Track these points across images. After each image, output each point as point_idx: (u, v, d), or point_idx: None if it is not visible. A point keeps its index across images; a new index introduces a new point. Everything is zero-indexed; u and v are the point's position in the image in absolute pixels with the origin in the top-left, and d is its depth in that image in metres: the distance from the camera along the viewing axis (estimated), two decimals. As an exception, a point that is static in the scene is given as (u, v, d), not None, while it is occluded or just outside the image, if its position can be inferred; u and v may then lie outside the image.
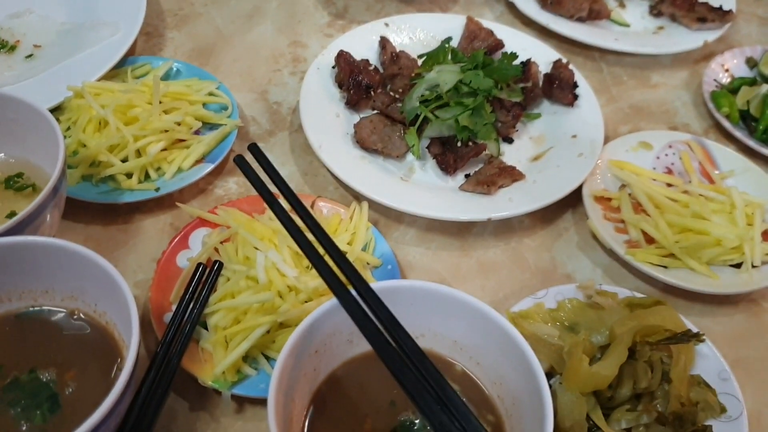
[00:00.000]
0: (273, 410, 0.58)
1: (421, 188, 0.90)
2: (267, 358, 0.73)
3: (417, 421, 0.65)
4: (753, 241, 0.86)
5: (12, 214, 0.78)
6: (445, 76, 0.94)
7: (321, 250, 0.68)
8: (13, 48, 1.02)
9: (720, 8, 1.15)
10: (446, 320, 0.68)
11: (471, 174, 0.92)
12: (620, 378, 0.71)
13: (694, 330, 0.77)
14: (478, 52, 0.98)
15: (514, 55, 0.98)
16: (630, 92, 1.10)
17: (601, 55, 1.14)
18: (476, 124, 0.92)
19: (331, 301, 0.64)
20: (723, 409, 0.73)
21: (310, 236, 0.68)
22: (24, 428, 0.60)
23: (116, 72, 0.98)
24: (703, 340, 0.76)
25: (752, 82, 1.08)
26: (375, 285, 0.66)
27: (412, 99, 0.94)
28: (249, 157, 0.72)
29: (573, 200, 0.91)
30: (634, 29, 1.17)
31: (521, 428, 0.64)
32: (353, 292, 0.65)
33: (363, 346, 0.66)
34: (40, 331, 0.68)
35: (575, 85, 1.00)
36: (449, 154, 0.92)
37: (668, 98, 1.09)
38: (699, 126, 1.06)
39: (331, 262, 0.67)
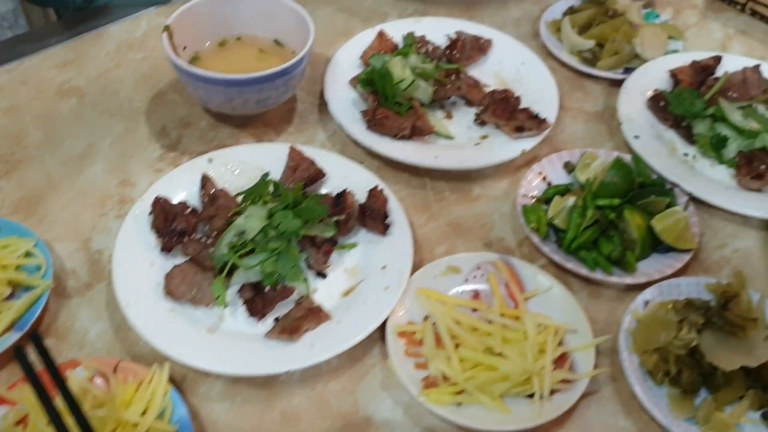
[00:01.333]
0: None
1: (228, 339, 0.93)
2: None
3: None
4: (543, 371, 0.91)
5: None
6: (252, 222, 0.98)
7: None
8: None
9: (537, 116, 1.20)
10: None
11: (280, 317, 0.96)
12: None
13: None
14: (290, 191, 1.02)
15: (319, 197, 1.02)
16: (450, 208, 1.14)
17: (427, 170, 1.18)
18: (283, 268, 0.96)
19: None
20: None
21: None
22: None
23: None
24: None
25: (565, 191, 1.13)
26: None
27: (222, 246, 0.98)
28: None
29: (382, 334, 0.95)
30: (459, 141, 1.22)
31: None
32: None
33: None
34: None
35: (386, 215, 1.04)
36: (258, 299, 0.96)
37: (487, 211, 1.14)
38: (514, 239, 1.11)
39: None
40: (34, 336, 0.79)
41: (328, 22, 1.45)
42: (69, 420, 0.73)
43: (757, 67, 1.34)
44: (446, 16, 1.47)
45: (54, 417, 0.72)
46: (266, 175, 1.08)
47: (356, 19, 1.46)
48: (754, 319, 0.96)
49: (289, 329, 0.93)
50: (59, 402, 0.74)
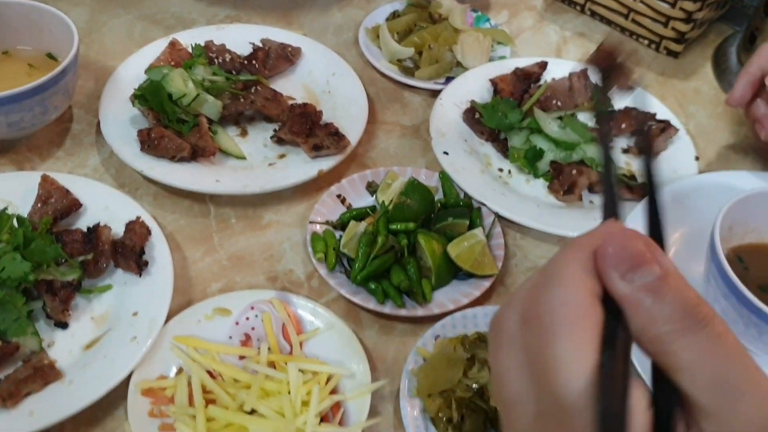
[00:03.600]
0: None
1: (-68, 409, 0.78)
2: None
3: None
4: (305, 427, 0.79)
5: None
6: (-34, 268, 0.83)
7: None
8: None
9: (337, 133, 1.09)
10: None
11: (2, 379, 0.81)
12: None
13: None
14: (19, 231, 0.87)
15: (49, 239, 0.88)
16: (235, 238, 1.02)
17: (212, 196, 1.05)
18: (4, 321, 0.82)
19: None
20: None
21: None
22: None
23: None
24: None
25: (365, 215, 1.02)
26: None
27: (-67, 298, 0.83)
28: None
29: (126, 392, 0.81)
30: (252, 161, 1.10)
31: None
32: None
33: None
34: None
35: (141, 252, 0.91)
36: (-26, 360, 0.81)
37: (277, 240, 1.02)
38: (303, 272, 0.99)
39: None
40: None
41: (125, 32, 1.31)
42: None
43: (584, 72, 1.26)
44: (261, 22, 1.35)
45: None
46: (5, 209, 0.93)
47: (158, 27, 1.33)
48: (550, 353, 0.87)
49: (5, 395, 0.78)
50: None
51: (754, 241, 1.00)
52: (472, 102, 1.19)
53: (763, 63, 1.07)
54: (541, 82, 1.27)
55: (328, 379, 0.85)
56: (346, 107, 1.17)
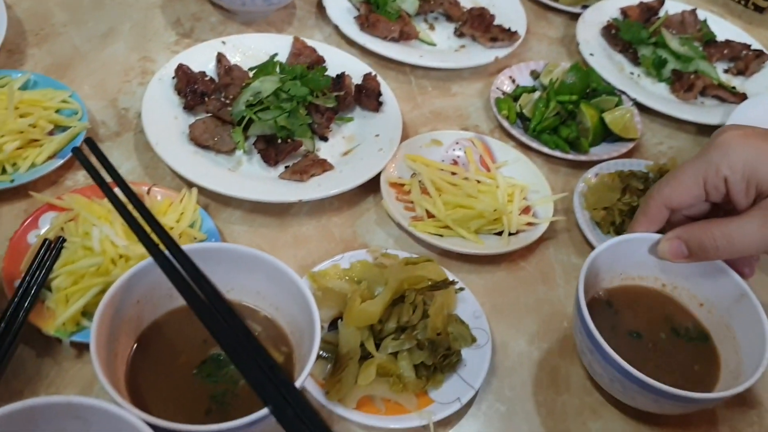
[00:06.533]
0: (95, 345, 0.73)
1: (246, 177, 1.08)
2: (101, 311, 0.88)
3: (222, 355, 0.82)
4: (510, 214, 1.08)
5: None
6: (267, 84, 1.13)
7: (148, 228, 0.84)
8: None
9: (509, 29, 1.39)
10: (249, 275, 0.85)
11: (290, 165, 1.11)
12: (389, 315, 0.91)
13: (454, 280, 0.98)
14: (298, 66, 1.17)
15: (323, 69, 1.18)
16: (432, 100, 1.31)
17: (411, 69, 1.35)
18: (293, 125, 1.11)
19: (147, 259, 0.81)
20: (473, 339, 0.94)
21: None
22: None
23: (-22, 84, 1.11)
24: (460, 288, 0.97)
25: (531, 90, 1.31)
26: (185, 246, 0.82)
27: (240, 103, 1.12)
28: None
29: (374, 187, 1.10)
30: (440, 48, 1.40)
31: (302, 353, 0.82)
32: (167, 252, 0.81)
33: (182, 299, 0.81)
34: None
35: (379, 94, 1.20)
36: (271, 149, 1.10)
37: (464, 105, 1.32)
38: (486, 126, 1.28)
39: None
40: (88, 140, 0.92)
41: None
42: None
43: (693, 11, 1.56)
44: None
45: (107, 191, 0.84)
46: (274, 55, 1.23)
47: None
48: (684, 189, 1.16)
49: (299, 171, 1.08)
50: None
51: (622, 284, 0.97)
52: (613, 19, 1.49)
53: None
54: (660, 14, 1.56)
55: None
56: (507, 16, 1.47)
